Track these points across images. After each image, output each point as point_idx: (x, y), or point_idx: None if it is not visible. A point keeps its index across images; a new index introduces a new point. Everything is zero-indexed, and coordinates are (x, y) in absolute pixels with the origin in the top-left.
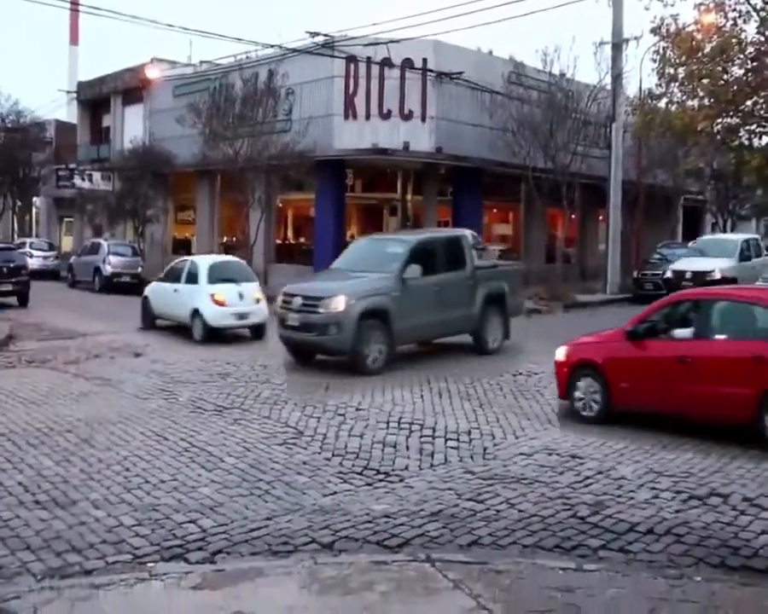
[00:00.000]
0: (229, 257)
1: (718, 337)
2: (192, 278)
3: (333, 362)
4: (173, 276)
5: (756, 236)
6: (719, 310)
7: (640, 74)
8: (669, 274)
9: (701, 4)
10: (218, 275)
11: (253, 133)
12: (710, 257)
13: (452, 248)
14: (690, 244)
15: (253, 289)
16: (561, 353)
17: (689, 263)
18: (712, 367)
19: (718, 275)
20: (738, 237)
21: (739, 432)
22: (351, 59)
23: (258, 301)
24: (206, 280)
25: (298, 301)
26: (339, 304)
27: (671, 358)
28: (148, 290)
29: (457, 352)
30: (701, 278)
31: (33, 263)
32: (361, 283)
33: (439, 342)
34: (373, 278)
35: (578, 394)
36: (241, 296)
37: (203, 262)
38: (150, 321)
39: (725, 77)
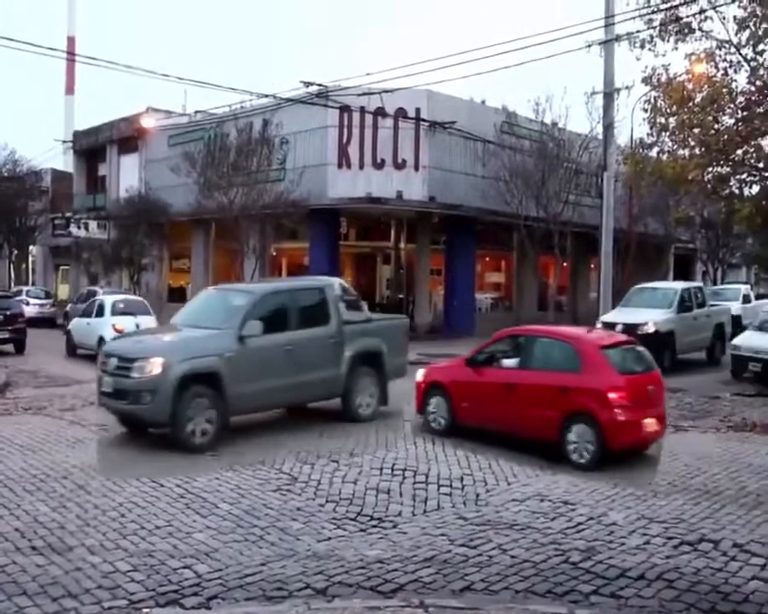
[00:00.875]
0: (131, 296)
1: (536, 368)
2: (100, 312)
3: (326, 408)
4: (88, 312)
5: (700, 284)
6: (539, 345)
7: (631, 123)
8: (599, 326)
9: (692, 54)
10: (120, 310)
11: (248, 182)
12: (647, 307)
13: (312, 300)
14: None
15: (148, 321)
16: (419, 374)
17: (621, 315)
18: (530, 393)
19: (651, 329)
20: (678, 286)
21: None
22: (344, 108)
23: None
24: (110, 313)
25: (113, 362)
26: (154, 366)
27: (499, 384)
28: (71, 325)
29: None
30: (632, 332)
31: (30, 310)
32: (188, 342)
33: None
34: (205, 335)
35: (430, 409)
36: (137, 326)
37: (108, 299)
38: (72, 350)
39: (716, 126)
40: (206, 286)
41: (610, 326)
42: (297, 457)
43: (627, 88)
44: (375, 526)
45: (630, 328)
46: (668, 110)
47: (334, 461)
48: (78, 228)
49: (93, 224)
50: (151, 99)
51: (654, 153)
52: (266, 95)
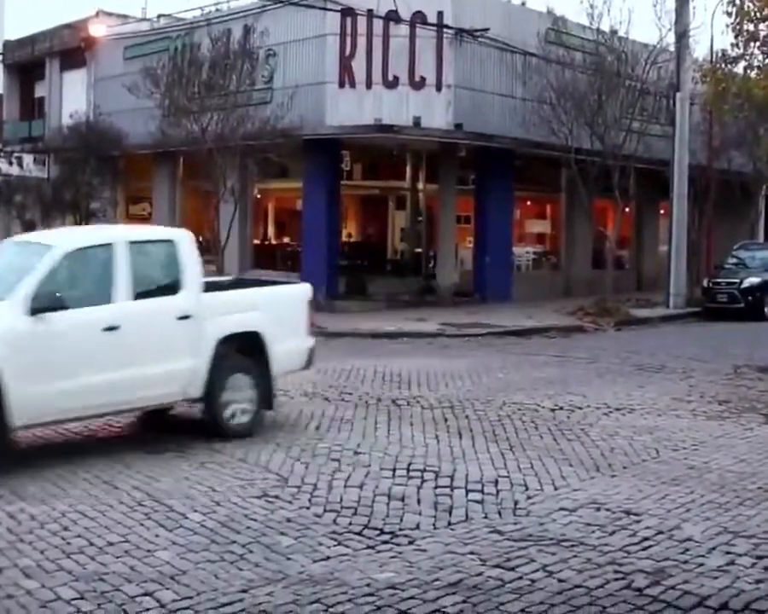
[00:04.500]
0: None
1: None
2: None
3: (329, 394)
4: None
5: (168, 235)
6: None
7: (711, 31)
8: None
9: None
10: None
11: (225, 105)
12: None
13: None
14: None
15: None
16: None
17: None
18: None
19: None
20: (60, 241)
21: None
22: (347, 12)
23: None
24: None
25: None
26: None
27: None
28: None
29: None
30: None
31: None
32: None
33: None
34: None
35: None
36: None
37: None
38: None
39: None
40: None
41: None
42: (287, 453)
43: None
44: (386, 542)
45: None
46: (758, 14)
47: (334, 460)
48: (10, 163)
49: (28, 159)
50: (102, 0)
51: (740, 68)
52: None
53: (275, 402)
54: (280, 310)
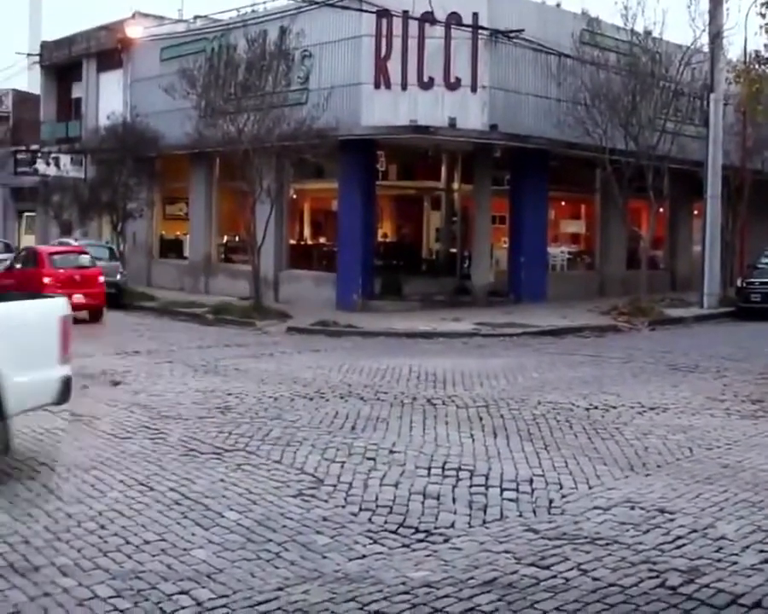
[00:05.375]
0: None
1: (28, 267)
2: None
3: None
4: None
5: None
6: (30, 254)
7: (745, 32)
8: None
9: None
10: None
11: (261, 106)
12: None
13: None
14: None
15: None
16: None
17: None
18: (24, 279)
19: None
20: None
21: None
22: (383, 13)
23: None
24: None
25: None
26: None
27: (16, 276)
28: None
29: None
30: None
31: None
32: None
33: None
34: None
35: None
36: None
37: None
38: None
39: None
40: (207, 237)
41: None
42: (323, 454)
43: None
44: (421, 541)
45: None
46: None
47: (369, 459)
48: (47, 164)
49: (65, 159)
50: (138, 1)
51: None
52: None
53: (12, 446)
54: (18, 332)
